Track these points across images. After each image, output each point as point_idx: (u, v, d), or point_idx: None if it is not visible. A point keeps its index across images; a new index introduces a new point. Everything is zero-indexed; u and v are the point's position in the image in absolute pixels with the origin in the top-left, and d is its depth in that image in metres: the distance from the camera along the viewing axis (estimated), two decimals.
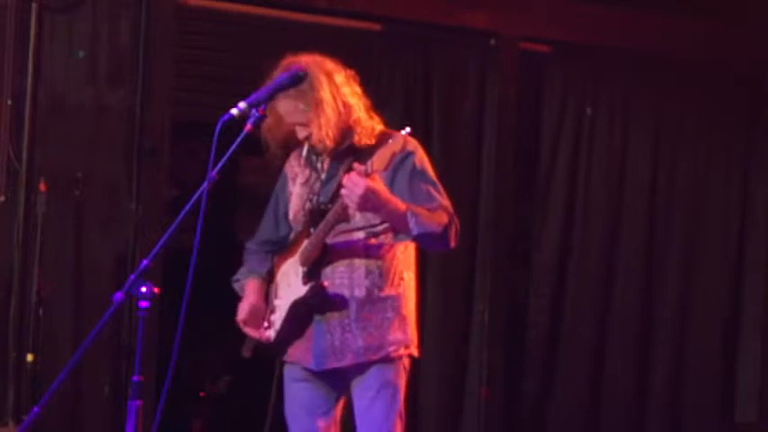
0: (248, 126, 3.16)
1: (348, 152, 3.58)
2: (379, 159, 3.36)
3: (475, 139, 5.75)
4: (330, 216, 3.50)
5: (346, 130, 3.57)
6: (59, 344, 4.77)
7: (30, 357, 4.72)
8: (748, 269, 6.40)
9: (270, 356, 3.74)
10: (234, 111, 3.13)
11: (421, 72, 5.61)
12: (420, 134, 5.56)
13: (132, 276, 2.97)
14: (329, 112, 3.52)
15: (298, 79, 3.41)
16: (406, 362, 3.66)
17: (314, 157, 3.69)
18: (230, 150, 3.08)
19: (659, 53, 6.03)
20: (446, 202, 3.58)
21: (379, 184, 3.39)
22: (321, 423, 3.68)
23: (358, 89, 3.64)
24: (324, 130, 3.53)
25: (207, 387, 6.51)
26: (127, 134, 4.97)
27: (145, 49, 4.97)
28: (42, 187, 4.77)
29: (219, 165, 3.04)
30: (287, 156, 3.78)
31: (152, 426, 3.06)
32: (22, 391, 4.75)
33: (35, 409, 3.00)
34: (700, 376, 6.22)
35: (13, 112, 4.77)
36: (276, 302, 3.69)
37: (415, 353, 3.69)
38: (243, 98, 3.20)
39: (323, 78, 3.53)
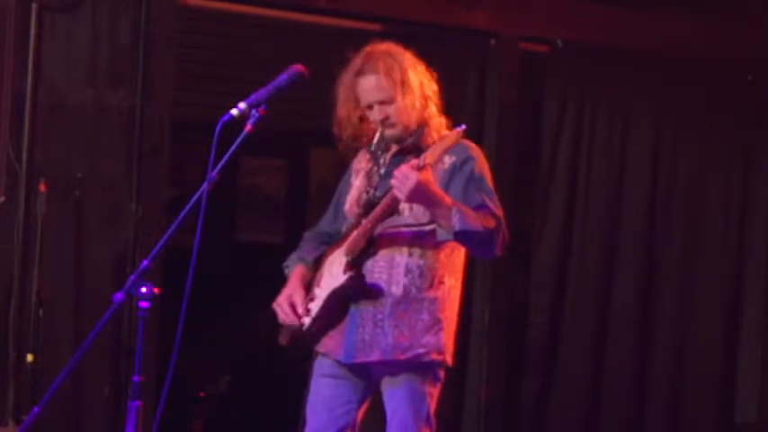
0: (248, 126, 3.17)
1: (412, 149, 3.59)
2: (432, 154, 3.37)
3: (475, 139, 5.71)
4: (380, 207, 3.50)
5: (420, 122, 3.59)
6: (59, 344, 4.77)
7: (30, 357, 4.72)
8: (748, 269, 6.40)
9: (304, 345, 3.72)
10: (234, 111, 3.13)
11: None
12: None
13: (132, 276, 2.97)
14: (413, 97, 3.56)
15: (297, 80, 3.41)
16: (439, 371, 3.63)
17: (379, 152, 3.70)
18: (230, 151, 3.08)
19: (659, 53, 6.03)
20: (499, 212, 3.55)
21: (430, 178, 3.39)
22: (339, 422, 3.66)
23: (435, 87, 3.68)
24: (405, 113, 3.56)
25: (207, 387, 6.52)
26: (127, 134, 4.96)
27: (145, 49, 4.97)
28: (42, 187, 4.76)
29: (219, 165, 3.04)
30: (357, 150, 3.79)
31: (152, 426, 3.06)
32: (22, 391, 4.75)
33: (35, 409, 3.00)
34: (700, 376, 6.22)
35: (13, 112, 4.77)
36: (317, 291, 3.67)
37: (449, 361, 3.66)
38: (243, 98, 3.21)
39: (412, 62, 3.60)
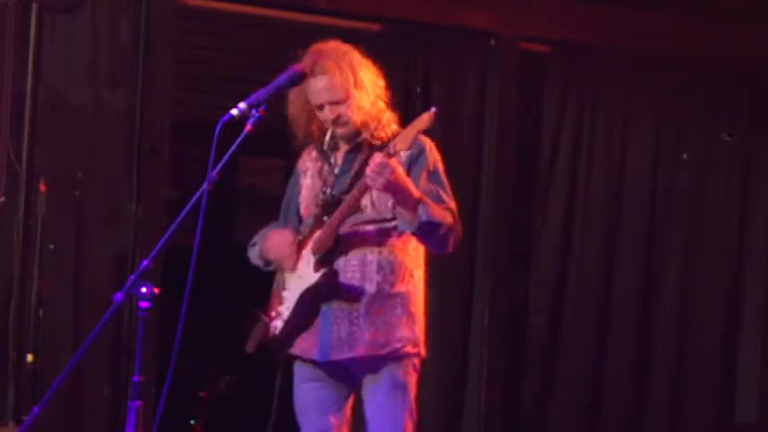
0: (248, 126, 3.17)
1: (362, 146, 3.61)
2: (402, 139, 3.39)
3: (475, 139, 5.75)
4: (345, 204, 3.52)
5: (371, 119, 3.60)
6: (59, 344, 4.78)
7: (30, 357, 4.72)
8: (748, 270, 6.40)
9: (276, 351, 3.73)
10: (234, 111, 3.13)
11: (421, 72, 5.61)
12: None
13: (132, 277, 2.97)
14: (364, 96, 3.57)
15: (297, 80, 3.41)
16: (416, 361, 3.67)
17: (329, 152, 3.71)
18: (230, 151, 3.08)
19: (659, 53, 6.02)
20: (453, 205, 3.60)
21: (399, 168, 3.41)
22: (333, 421, 3.69)
23: (382, 83, 3.67)
24: (357, 112, 3.57)
25: (207, 387, 6.51)
26: (127, 134, 4.97)
27: (145, 49, 4.97)
28: (42, 187, 4.77)
29: (219, 165, 3.04)
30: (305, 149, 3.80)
31: (152, 426, 3.06)
32: (22, 391, 4.75)
33: (35, 409, 3.00)
34: (700, 376, 6.22)
35: (13, 112, 4.77)
36: (285, 294, 3.69)
37: (423, 352, 3.70)
38: (243, 98, 3.21)
39: (361, 61, 3.60)
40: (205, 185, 3.04)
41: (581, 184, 5.98)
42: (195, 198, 3.03)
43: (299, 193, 3.80)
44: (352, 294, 3.57)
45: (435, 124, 3.44)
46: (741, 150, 6.36)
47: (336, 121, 3.61)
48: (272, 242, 3.73)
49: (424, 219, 3.45)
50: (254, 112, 3.16)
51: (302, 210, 3.75)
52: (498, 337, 5.74)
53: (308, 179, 3.76)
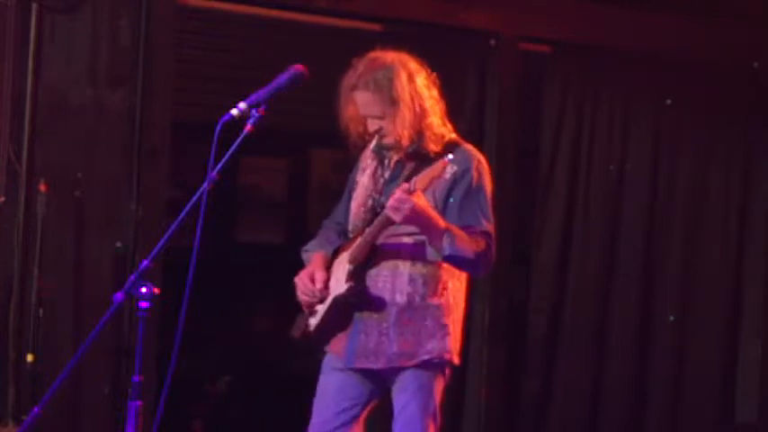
0: (248, 126, 3.17)
1: (415, 155, 3.62)
2: (421, 180, 3.43)
3: (475, 138, 5.74)
4: (378, 222, 3.54)
5: (417, 133, 3.61)
6: (59, 344, 4.77)
7: (30, 358, 4.72)
8: (748, 269, 6.40)
9: (314, 343, 3.76)
10: (234, 111, 3.14)
11: None
12: None
13: (132, 277, 2.97)
14: (405, 112, 3.58)
15: (297, 80, 3.41)
16: (446, 369, 3.69)
17: (384, 152, 3.72)
18: (230, 151, 3.08)
19: (659, 53, 6.03)
20: (490, 227, 3.63)
21: (423, 201, 3.45)
22: (343, 416, 3.69)
23: (436, 94, 3.71)
24: (397, 129, 3.59)
25: (207, 387, 6.52)
26: (127, 134, 4.96)
27: (145, 49, 4.97)
28: (42, 187, 4.76)
29: (219, 165, 3.04)
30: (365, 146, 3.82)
31: (152, 426, 3.06)
32: (22, 392, 4.75)
33: (35, 409, 3.00)
34: (700, 376, 6.22)
35: (13, 112, 4.77)
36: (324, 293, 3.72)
37: (455, 360, 3.70)
38: (243, 98, 3.21)
39: (404, 77, 3.61)
40: (205, 185, 3.04)
41: (581, 184, 5.98)
42: (195, 198, 3.03)
43: (353, 190, 3.82)
44: (381, 306, 3.60)
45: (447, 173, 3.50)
46: (741, 150, 6.37)
47: (378, 133, 3.65)
48: (301, 278, 3.75)
49: (447, 252, 3.49)
50: (254, 112, 3.16)
51: (353, 209, 3.78)
52: (498, 337, 5.74)
53: (365, 177, 3.78)
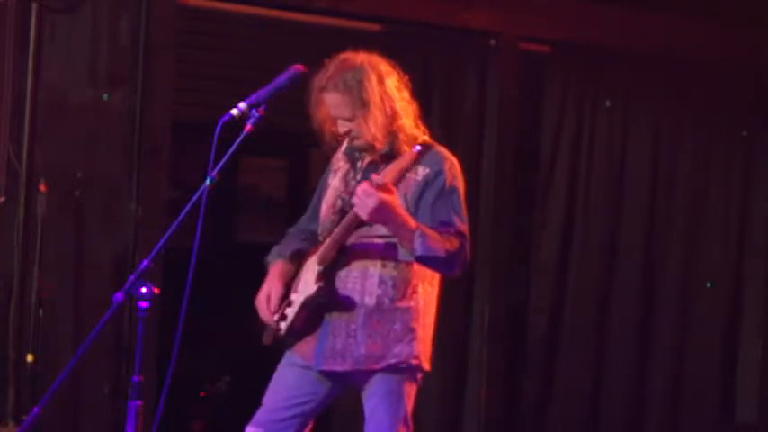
0: (248, 126, 3.17)
1: (388, 157, 3.58)
2: (390, 172, 3.42)
3: (475, 139, 5.75)
4: (346, 221, 3.52)
5: (390, 135, 3.57)
6: (59, 344, 4.78)
7: (30, 357, 4.72)
8: (748, 269, 6.40)
9: (287, 346, 3.73)
10: (234, 111, 3.14)
11: (421, 72, 5.60)
12: None
13: (132, 277, 2.97)
14: (375, 114, 3.53)
15: (297, 80, 3.41)
16: (416, 374, 3.64)
17: (356, 153, 3.69)
18: (230, 151, 3.09)
19: (659, 53, 6.03)
20: (464, 227, 3.58)
21: (393, 198, 3.41)
22: (294, 409, 3.65)
23: (407, 95, 3.66)
24: (366, 131, 3.55)
25: (207, 387, 6.51)
26: (127, 134, 4.96)
27: (145, 49, 4.97)
28: (42, 187, 4.76)
29: (219, 165, 3.04)
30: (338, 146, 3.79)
31: (152, 426, 3.06)
32: (22, 392, 4.75)
33: (35, 409, 3.00)
34: (700, 376, 6.22)
35: (13, 112, 4.77)
36: (293, 296, 3.68)
37: (425, 366, 3.66)
38: (243, 98, 3.21)
39: (374, 79, 3.56)
40: (205, 185, 3.04)
41: (581, 184, 5.98)
42: (195, 198, 3.03)
43: (324, 193, 3.79)
44: (350, 307, 3.56)
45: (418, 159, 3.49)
46: (741, 150, 6.37)
47: (347, 135, 3.62)
48: (259, 301, 3.72)
49: (419, 253, 3.45)
50: (254, 112, 3.17)
51: (322, 211, 3.74)
52: (498, 337, 5.74)
53: (336, 180, 3.74)
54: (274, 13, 5.42)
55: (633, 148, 6.10)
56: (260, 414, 3.72)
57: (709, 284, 6.16)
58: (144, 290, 2.96)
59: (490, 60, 5.76)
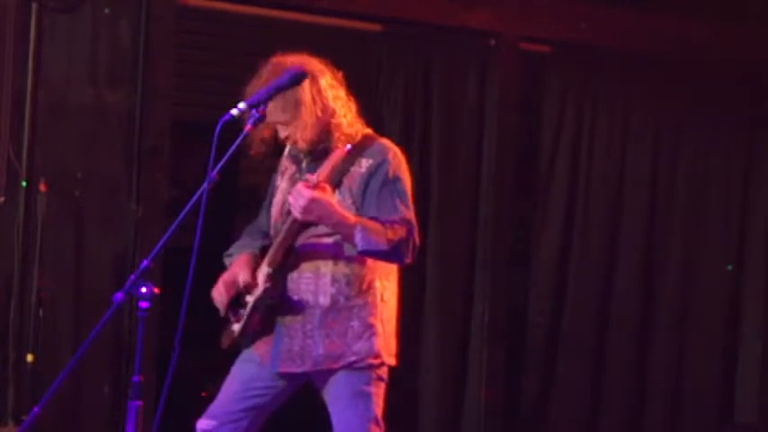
0: (248, 126, 3.18)
1: (325, 156, 3.57)
2: (322, 172, 3.44)
3: (475, 138, 5.75)
4: (288, 223, 3.53)
5: (325, 133, 3.57)
6: (59, 344, 4.77)
7: (30, 357, 4.72)
8: (748, 270, 6.40)
9: (243, 347, 3.73)
10: (234, 111, 3.14)
11: (421, 72, 5.61)
12: (420, 134, 5.58)
13: (132, 277, 2.97)
14: (307, 115, 3.53)
15: (298, 79, 3.41)
16: (381, 371, 3.62)
17: (300, 155, 3.68)
18: (230, 151, 3.09)
19: (660, 53, 6.03)
20: (410, 215, 3.57)
21: (327, 195, 3.42)
22: (248, 402, 3.63)
23: (343, 93, 3.64)
24: (300, 132, 3.54)
25: (207, 387, 6.50)
26: (127, 134, 4.96)
27: (145, 49, 4.97)
28: (42, 187, 4.76)
29: (219, 165, 3.04)
30: (271, 153, 3.77)
31: (152, 426, 3.06)
32: (22, 391, 4.75)
33: (35, 409, 3.00)
34: (700, 376, 6.22)
35: (13, 112, 4.77)
36: (247, 298, 3.67)
37: (389, 362, 3.65)
38: (243, 98, 3.21)
39: (313, 77, 3.55)
40: (205, 185, 3.04)
41: (581, 184, 5.98)
42: (195, 198, 3.03)
43: (273, 195, 3.78)
44: (303, 309, 3.56)
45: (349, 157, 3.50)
46: (741, 150, 6.36)
47: (287, 139, 3.61)
48: (216, 288, 3.70)
49: (360, 248, 3.46)
50: (254, 112, 3.17)
51: (273, 213, 3.74)
52: (498, 337, 5.74)
53: (284, 182, 3.74)
54: (275, 13, 5.42)
55: (633, 147, 6.09)
56: (213, 407, 3.70)
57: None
58: (144, 290, 2.96)
59: (490, 60, 5.76)
